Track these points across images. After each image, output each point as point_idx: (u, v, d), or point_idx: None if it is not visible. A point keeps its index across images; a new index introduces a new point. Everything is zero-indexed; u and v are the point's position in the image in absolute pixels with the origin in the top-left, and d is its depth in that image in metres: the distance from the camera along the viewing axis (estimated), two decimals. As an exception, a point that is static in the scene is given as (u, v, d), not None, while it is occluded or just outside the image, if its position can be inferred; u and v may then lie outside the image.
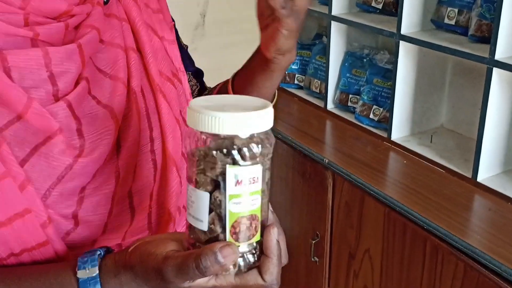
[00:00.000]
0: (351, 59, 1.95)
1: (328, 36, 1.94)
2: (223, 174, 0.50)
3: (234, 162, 0.50)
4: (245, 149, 0.50)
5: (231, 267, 0.51)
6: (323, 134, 1.92)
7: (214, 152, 0.50)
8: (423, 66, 1.73)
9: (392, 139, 1.76)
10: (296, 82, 2.19)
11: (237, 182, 0.50)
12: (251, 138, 0.51)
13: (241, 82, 0.85)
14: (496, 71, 1.39)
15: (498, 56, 1.38)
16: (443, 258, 1.36)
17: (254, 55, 0.81)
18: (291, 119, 2.02)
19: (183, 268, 0.49)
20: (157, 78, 0.69)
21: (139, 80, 0.68)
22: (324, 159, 1.68)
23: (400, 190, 1.53)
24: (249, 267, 0.53)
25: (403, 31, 1.65)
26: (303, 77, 2.16)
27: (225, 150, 0.50)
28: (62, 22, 0.61)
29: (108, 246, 0.60)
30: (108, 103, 0.64)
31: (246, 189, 0.51)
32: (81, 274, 0.56)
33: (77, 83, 0.62)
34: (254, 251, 0.53)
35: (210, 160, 0.50)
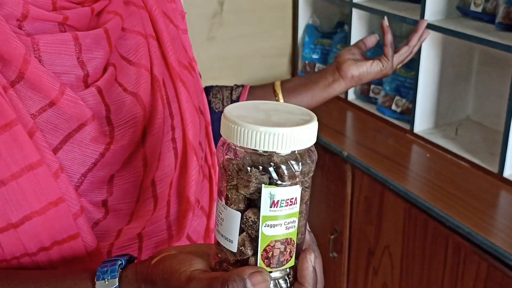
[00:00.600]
0: (373, 48, 1.87)
1: (349, 24, 1.87)
2: (258, 193, 0.45)
3: (271, 181, 0.45)
4: (283, 167, 0.45)
5: None
6: (344, 126, 1.86)
7: (249, 168, 0.45)
8: (448, 55, 1.65)
9: (415, 131, 1.69)
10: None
11: (273, 204, 0.45)
12: (291, 154, 0.45)
13: (295, 86, 0.91)
14: (524, 61, 1.31)
15: (527, 45, 1.30)
16: (466, 257, 1.29)
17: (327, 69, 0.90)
18: (312, 111, 1.96)
19: None
20: (176, 66, 0.68)
21: (160, 68, 0.67)
22: (343, 152, 1.63)
23: (422, 185, 1.47)
24: None
25: (427, 18, 1.57)
26: (324, 66, 2.10)
27: (261, 167, 0.45)
28: (87, 6, 0.59)
29: (130, 254, 0.57)
30: (134, 90, 0.63)
31: (282, 212, 0.46)
32: (100, 285, 0.53)
33: (105, 69, 0.61)
34: (287, 277, 0.49)
35: (244, 177, 0.45)
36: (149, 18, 0.68)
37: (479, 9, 1.53)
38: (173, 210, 0.68)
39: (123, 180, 0.62)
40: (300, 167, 0.46)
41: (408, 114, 1.72)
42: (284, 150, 0.44)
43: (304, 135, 0.45)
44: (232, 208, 0.46)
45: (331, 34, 2.10)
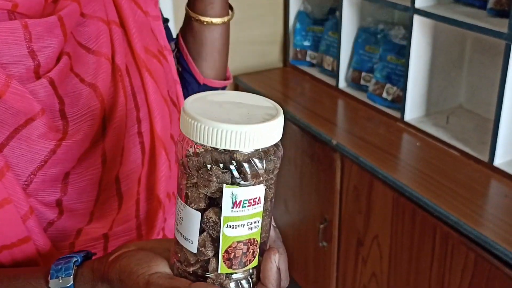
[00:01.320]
0: (365, 35, 1.85)
1: (340, 11, 1.84)
2: (219, 192, 0.42)
3: (233, 180, 0.42)
4: (246, 166, 0.42)
5: None
6: (334, 114, 1.83)
7: (209, 167, 0.42)
8: (440, 42, 1.62)
9: (405, 119, 1.67)
10: (308, 59, 2.10)
11: (235, 204, 0.42)
12: (254, 152, 0.42)
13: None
14: (515, 48, 1.29)
15: (518, 31, 1.27)
16: (453, 248, 1.27)
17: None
18: (302, 99, 1.94)
19: None
20: (143, 54, 0.63)
21: (123, 56, 0.62)
22: (332, 141, 1.60)
23: (411, 174, 1.44)
24: None
25: (418, 4, 1.54)
26: (315, 54, 2.07)
27: (222, 165, 0.41)
28: None
29: (88, 250, 0.55)
30: (92, 81, 0.58)
31: (245, 212, 0.43)
32: (54, 284, 0.50)
33: (58, 59, 0.57)
34: (249, 278, 0.46)
35: (205, 175, 0.42)
36: (114, 3, 0.64)
37: (471, -5, 1.50)
38: (143, 209, 0.64)
39: (79, 178, 0.58)
40: (264, 165, 0.42)
41: (399, 102, 1.70)
42: (247, 149, 0.41)
43: (268, 132, 0.42)
44: (192, 207, 0.44)
45: (322, 21, 2.07)
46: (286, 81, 2.09)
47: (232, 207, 0.42)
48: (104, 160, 0.59)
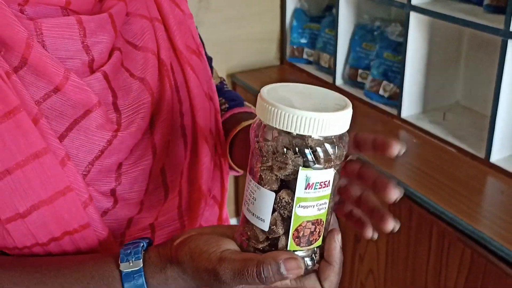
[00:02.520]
0: (361, 32, 1.85)
1: (337, 8, 1.84)
2: (294, 175, 0.46)
3: (306, 164, 0.45)
4: (320, 151, 0.45)
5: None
6: (331, 111, 1.83)
7: (285, 150, 0.46)
8: (436, 39, 1.62)
9: (402, 116, 1.67)
10: (305, 56, 2.09)
11: (308, 186, 0.46)
12: (327, 138, 0.46)
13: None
14: (511, 44, 1.29)
15: (514, 27, 1.27)
16: (450, 244, 1.28)
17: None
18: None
19: (242, 273, 0.47)
20: (184, 51, 0.65)
21: (167, 52, 0.64)
22: (329, 138, 1.60)
23: (407, 171, 1.44)
24: (307, 271, 0.50)
25: (414, 1, 1.54)
26: (312, 51, 2.07)
27: (297, 149, 0.45)
28: None
29: (149, 238, 0.56)
30: (141, 76, 0.61)
31: (316, 194, 0.47)
32: (124, 267, 0.52)
33: (110, 54, 0.59)
34: (313, 256, 0.50)
35: (280, 159, 0.46)
36: (154, 1, 0.65)
37: (467, -9, 1.50)
38: (185, 200, 0.66)
39: (131, 168, 0.59)
40: (336, 151, 0.46)
41: (396, 99, 1.70)
42: (321, 134, 0.45)
43: (341, 121, 0.46)
44: (266, 188, 0.47)
45: (319, 18, 2.06)
46: (283, 79, 2.09)
47: (305, 189, 0.46)
48: (154, 152, 0.61)
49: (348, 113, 0.47)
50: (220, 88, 0.82)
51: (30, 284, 0.53)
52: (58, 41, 0.54)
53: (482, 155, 1.43)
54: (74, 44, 0.55)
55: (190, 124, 0.66)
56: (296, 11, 2.10)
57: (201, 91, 0.67)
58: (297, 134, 0.45)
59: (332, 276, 0.50)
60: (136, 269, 0.52)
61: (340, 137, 0.47)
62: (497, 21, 1.34)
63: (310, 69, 2.06)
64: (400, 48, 1.71)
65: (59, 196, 0.53)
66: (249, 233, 0.49)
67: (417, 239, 1.37)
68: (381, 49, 1.76)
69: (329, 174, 0.47)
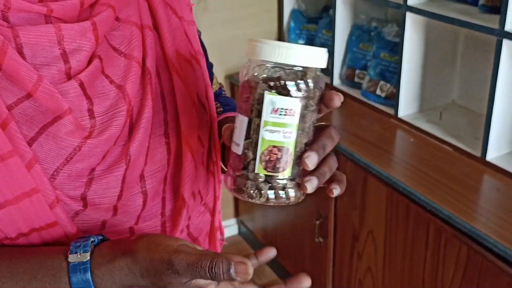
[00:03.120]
0: (358, 33, 1.87)
1: (334, 8, 1.86)
2: (262, 100, 0.52)
3: (271, 89, 0.51)
4: (288, 82, 0.51)
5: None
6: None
7: (256, 78, 0.52)
8: (432, 39, 1.64)
9: (399, 116, 1.68)
10: (303, 57, 2.11)
11: (273, 110, 0.51)
12: (296, 73, 0.52)
13: None
14: (506, 43, 1.30)
15: (509, 27, 1.29)
16: (447, 241, 1.29)
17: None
18: (297, 96, 1.95)
19: (195, 265, 0.50)
20: (174, 58, 0.66)
21: (154, 60, 0.64)
22: (327, 138, 1.62)
23: (404, 170, 1.46)
24: (289, 202, 0.56)
25: (410, 2, 1.56)
26: (310, 52, 2.09)
27: (264, 76, 0.52)
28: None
29: (104, 236, 0.58)
30: (121, 83, 0.61)
31: (281, 120, 0.52)
32: (72, 258, 0.55)
33: (89, 61, 0.60)
34: (286, 189, 0.54)
35: (252, 86, 0.53)
36: (149, 7, 0.66)
37: (462, -8, 1.51)
38: (168, 207, 0.67)
39: (103, 174, 0.60)
40: (303, 86, 0.51)
41: (393, 99, 1.71)
42: (280, 61, 0.51)
43: (299, 53, 0.51)
44: (242, 114, 0.53)
45: (316, 19, 2.08)
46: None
47: (271, 113, 0.51)
48: (129, 159, 0.61)
49: (321, 51, 0.52)
50: (217, 94, 0.83)
51: None
52: (35, 48, 0.55)
53: (478, 153, 1.45)
54: (52, 51, 0.56)
55: (174, 133, 0.66)
56: (294, 12, 2.11)
57: (188, 99, 0.67)
58: (266, 61, 0.51)
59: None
60: (83, 260, 0.54)
61: (312, 76, 0.52)
62: (492, 21, 1.36)
63: (308, 69, 2.08)
64: (396, 48, 1.73)
65: (25, 197, 0.55)
66: (232, 162, 0.55)
67: (414, 236, 1.39)
68: (378, 49, 1.77)
69: (294, 103, 0.51)
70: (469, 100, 1.73)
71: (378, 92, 1.76)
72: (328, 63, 1.92)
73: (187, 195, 0.67)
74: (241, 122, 0.53)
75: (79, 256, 0.54)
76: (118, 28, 0.63)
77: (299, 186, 0.55)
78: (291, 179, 0.54)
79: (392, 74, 1.73)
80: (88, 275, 0.54)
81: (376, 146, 1.57)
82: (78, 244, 0.55)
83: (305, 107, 0.52)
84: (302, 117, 0.52)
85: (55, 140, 0.56)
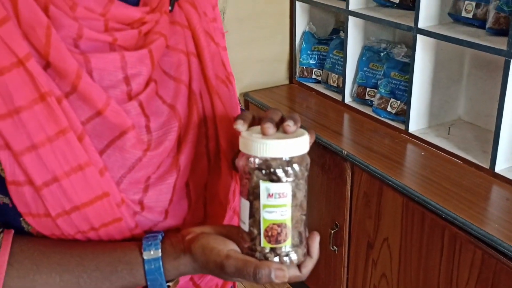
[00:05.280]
0: (369, 53, 1.98)
1: (346, 31, 1.97)
2: (258, 188, 0.60)
3: (265, 178, 0.60)
4: (277, 170, 0.60)
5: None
6: (341, 127, 1.95)
7: (251, 169, 0.61)
8: (440, 59, 1.75)
9: (409, 131, 1.79)
10: (313, 76, 2.22)
11: (269, 195, 0.60)
12: (283, 160, 0.60)
13: None
14: (514, 63, 1.41)
15: (516, 48, 1.40)
16: (461, 246, 1.38)
17: None
18: (310, 113, 2.05)
19: (242, 270, 0.60)
20: (214, 81, 0.75)
21: (198, 83, 0.74)
22: (343, 151, 1.71)
23: (418, 180, 1.56)
24: (293, 264, 0.64)
25: (421, 25, 1.68)
26: (321, 71, 2.20)
27: (263, 170, 0.60)
28: (136, 29, 0.67)
29: (162, 232, 0.69)
30: (172, 103, 0.70)
31: (276, 202, 0.60)
32: (147, 255, 0.65)
33: (147, 84, 0.68)
34: (289, 255, 0.63)
35: (249, 176, 0.61)
36: (192, 36, 0.74)
37: (470, 15, 1.63)
38: (209, 210, 0.77)
39: (158, 182, 0.69)
40: (291, 171, 0.60)
41: (403, 115, 1.82)
42: (266, 155, 0.59)
43: (294, 145, 0.60)
44: (244, 198, 0.62)
45: (327, 40, 2.19)
46: (293, 97, 2.21)
47: (267, 198, 0.60)
48: (179, 169, 0.70)
49: (292, 141, 0.60)
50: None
51: (70, 264, 0.65)
52: (103, 73, 0.64)
53: (487, 165, 1.55)
54: (116, 75, 0.65)
55: (214, 146, 0.75)
56: (305, 34, 2.22)
57: (225, 116, 0.76)
58: (257, 156, 0.59)
59: (310, 265, 0.64)
60: (156, 257, 0.65)
61: (291, 159, 0.60)
62: (499, 43, 1.47)
63: (319, 87, 2.18)
64: (405, 67, 1.84)
65: (98, 200, 0.64)
66: (241, 235, 0.63)
67: (429, 243, 1.48)
68: (388, 69, 1.88)
69: (285, 187, 0.60)
70: (475, 117, 1.84)
71: (389, 109, 1.87)
72: (339, 81, 2.03)
73: (225, 201, 0.77)
74: (244, 204, 0.62)
75: (152, 253, 0.65)
76: (168, 54, 0.72)
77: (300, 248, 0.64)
78: (293, 244, 0.62)
79: (402, 92, 1.84)
80: (161, 269, 0.65)
81: (389, 158, 1.67)
82: (149, 242, 0.66)
83: (295, 187, 0.61)
84: (294, 195, 0.61)
85: (120, 152, 0.65)
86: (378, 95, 1.91)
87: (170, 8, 0.72)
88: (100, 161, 0.63)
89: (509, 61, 1.42)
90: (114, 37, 0.65)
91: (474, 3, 1.61)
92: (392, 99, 1.86)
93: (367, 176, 1.65)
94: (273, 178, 0.60)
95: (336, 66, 2.09)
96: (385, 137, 1.81)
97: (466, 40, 1.55)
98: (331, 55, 2.12)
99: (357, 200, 1.72)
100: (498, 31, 1.53)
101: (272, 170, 0.60)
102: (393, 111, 1.86)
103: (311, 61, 2.20)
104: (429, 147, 1.72)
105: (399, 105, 1.84)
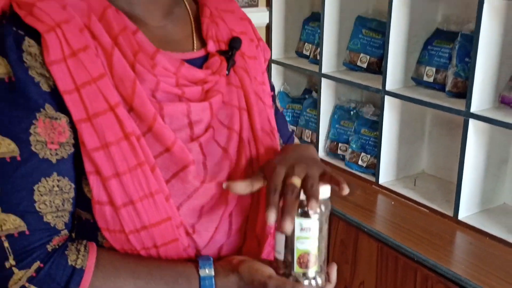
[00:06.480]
0: (340, 112, 2.16)
1: (319, 92, 2.16)
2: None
3: (298, 215, 0.74)
4: (308, 209, 0.74)
5: None
6: (316, 179, 2.10)
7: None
8: (405, 118, 1.95)
9: (380, 183, 1.96)
10: (288, 132, 2.39)
11: (301, 229, 0.74)
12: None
13: None
14: (472, 122, 1.61)
15: (473, 109, 1.60)
16: (433, 286, 1.53)
17: None
18: (286, 166, 2.20)
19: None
20: (260, 133, 0.90)
21: (247, 133, 0.89)
22: (321, 201, 1.86)
23: (390, 227, 1.71)
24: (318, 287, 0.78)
25: (388, 87, 1.87)
26: (295, 128, 2.37)
27: (298, 209, 0.74)
28: (200, 86, 0.82)
29: (211, 257, 0.81)
30: (225, 147, 0.85)
31: (307, 234, 0.74)
32: (202, 272, 0.79)
33: (206, 129, 0.83)
34: (316, 278, 0.76)
35: None
36: (244, 95, 0.90)
37: (431, 79, 1.84)
38: (248, 239, 0.89)
39: (209, 211, 0.83)
40: (318, 210, 0.74)
41: (373, 168, 1.99)
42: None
43: (321, 191, 0.75)
44: (280, 232, 0.75)
45: (300, 99, 2.38)
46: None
47: (300, 231, 0.74)
48: (227, 202, 0.84)
49: (325, 188, 0.75)
50: None
51: (142, 273, 0.77)
52: (173, 118, 0.79)
53: (451, 213, 1.72)
54: (183, 121, 0.80)
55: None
56: (280, 94, 2.40)
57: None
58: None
59: None
60: (210, 275, 0.78)
61: (323, 201, 0.75)
62: (458, 104, 1.67)
63: (293, 143, 2.35)
64: (374, 125, 2.03)
65: (163, 222, 0.77)
66: (276, 264, 0.76)
67: (403, 284, 1.62)
68: (358, 126, 2.07)
69: (313, 223, 0.74)
70: (437, 170, 2.03)
71: (360, 162, 2.04)
72: (313, 137, 2.20)
73: (261, 232, 0.89)
74: (280, 237, 0.75)
75: (207, 271, 0.79)
76: (224, 108, 0.87)
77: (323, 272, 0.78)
78: (318, 270, 0.76)
79: (372, 147, 2.02)
80: (213, 285, 0.78)
81: (363, 208, 1.82)
82: (204, 262, 0.79)
83: (320, 223, 0.74)
84: (320, 230, 0.75)
85: (182, 182, 0.79)
86: (349, 150, 2.08)
87: (227, 72, 0.87)
88: (166, 189, 0.77)
89: (468, 121, 1.62)
90: (183, 91, 0.80)
91: (434, 69, 1.82)
92: (362, 154, 2.04)
93: (344, 224, 1.80)
94: (304, 215, 0.74)
95: (310, 123, 2.27)
96: (357, 188, 1.97)
97: (429, 102, 1.75)
98: (304, 113, 2.30)
99: (334, 247, 1.86)
100: (456, 94, 1.73)
101: (305, 209, 0.73)
102: (364, 165, 2.03)
103: (286, 119, 2.37)
104: (398, 197, 1.89)
105: (369, 159, 2.02)
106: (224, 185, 0.78)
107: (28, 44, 0.70)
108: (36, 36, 0.70)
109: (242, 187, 0.78)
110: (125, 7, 0.80)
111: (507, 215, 1.73)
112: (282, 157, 0.81)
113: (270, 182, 0.76)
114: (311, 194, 0.72)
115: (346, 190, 0.75)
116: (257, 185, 0.79)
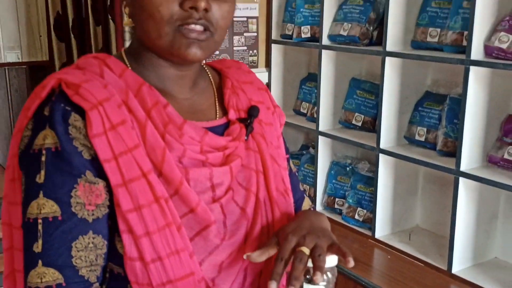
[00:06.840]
0: (336, 168, 2.26)
1: (316, 148, 2.25)
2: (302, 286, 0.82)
3: (307, 282, 0.81)
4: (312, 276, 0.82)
5: None
6: (314, 233, 2.17)
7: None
8: (399, 174, 2.04)
9: (376, 237, 2.03)
10: (286, 187, 2.47)
11: None
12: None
13: None
14: (462, 180, 1.70)
15: (463, 168, 1.70)
16: None
17: None
18: (285, 220, 2.28)
19: None
20: (275, 193, 0.98)
21: (263, 193, 0.97)
22: (319, 255, 1.93)
23: (387, 281, 1.78)
24: None
25: (382, 146, 1.97)
26: (293, 182, 2.45)
27: (307, 276, 0.81)
28: (221, 151, 0.91)
29: None
30: (243, 207, 0.93)
31: None
32: None
33: (226, 191, 0.91)
34: None
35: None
36: (261, 158, 0.98)
37: (422, 139, 1.94)
38: None
39: (228, 266, 0.91)
40: (325, 277, 0.82)
41: (369, 223, 2.07)
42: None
43: (328, 260, 0.82)
44: None
45: (298, 155, 2.47)
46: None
47: None
48: (243, 257, 0.91)
49: (331, 257, 0.82)
50: None
51: None
52: (196, 181, 0.88)
53: (444, 267, 1.79)
54: (205, 184, 0.89)
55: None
56: (278, 149, 2.50)
57: (281, 221, 0.97)
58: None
59: None
60: None
61: (329, 270, 0.82)
62: (448, 162, 1.77)
63: (292, 197, 2.43)
64: (369, 181, 2.12)
65: (186, 278, 0.85)
66: None
67: (401, 337, 1.67)
68: (354, 181, 2.16)
69: None
70: (430, 224, 2.11)
71: (356, 217, 2.12)
72: (311, 192, 2.29)
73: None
74: None
75: None
76: (243, 171, 0.96)
77: None
78: None
79: (368, 202, 2.10)
80: None
81: (360, 261, 1.89)
82: None
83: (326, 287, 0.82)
84: None
85: (204, 240, 0.87)
86: (346, 205, 2.17)
87: (246, 138, 0.96)
88: (190, 247, 0.85)
89: (458, 179, 1.71)
90: (206, 157, 0.89)
91: (425, 129, 1.93)
92: (359, 208, 2.12)
93: (342, 277, 1.86)
94: (313, 282, 0.81)
95: (308, 178, 2.36)
96: (354, 242, 2.05)
97: (421, 160, 1.85)
98: (302, 168, 2.39)
99: (333, 300, 1.91)
100: (447, 153, 1.83)
101: (309, 276, 0.81)
102: (361, 219, 2.11)
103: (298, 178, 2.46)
104: (393, 251, 1.96)
105: (365, 213, 2.10)
106: (244, 256, 0.86)
107: (74, 118, 0.81)
108: (81, 111, 0.81)
109: (259, 256, 0.86)
110: (158, 83, 0.91)
111: (499, 269, 1.81)
112: (296, 226, 0.88)
113: (280, 250, 0.84)
114: (317, 264, 0.79)
115: (351, 263, 0.82)
116: (272, 251, 0.87)
